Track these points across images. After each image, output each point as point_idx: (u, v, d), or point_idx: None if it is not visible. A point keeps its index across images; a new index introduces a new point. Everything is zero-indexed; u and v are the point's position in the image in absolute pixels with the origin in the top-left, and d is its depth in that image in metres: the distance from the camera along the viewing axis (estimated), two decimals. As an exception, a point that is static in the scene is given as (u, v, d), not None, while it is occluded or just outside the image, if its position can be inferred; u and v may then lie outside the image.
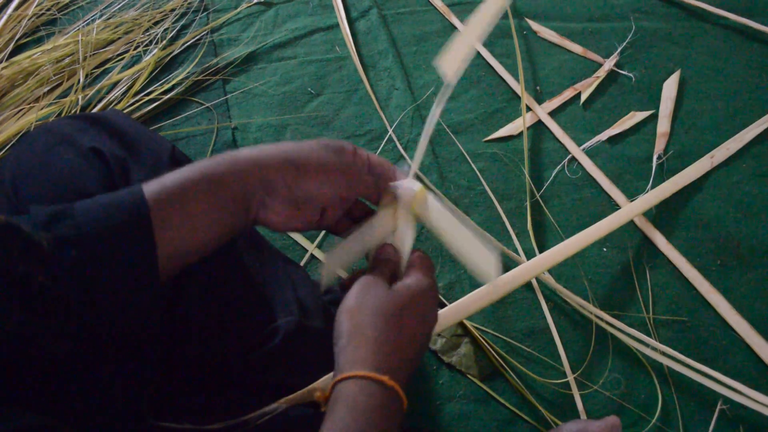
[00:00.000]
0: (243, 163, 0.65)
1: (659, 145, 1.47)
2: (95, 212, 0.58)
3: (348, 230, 0.74)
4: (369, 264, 0.71)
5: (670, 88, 1.59)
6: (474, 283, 1.23)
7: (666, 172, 1.43)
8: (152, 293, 0.60)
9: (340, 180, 0.68)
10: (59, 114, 1.51)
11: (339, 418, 0.56)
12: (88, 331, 0.58)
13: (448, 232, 0.72)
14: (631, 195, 1.39)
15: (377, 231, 0.73)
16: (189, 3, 1.81)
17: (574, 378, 1.16)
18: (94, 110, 1.53)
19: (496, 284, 1.10)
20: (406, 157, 1.45)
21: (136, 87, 1.58)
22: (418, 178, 1.40)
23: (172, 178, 0.62)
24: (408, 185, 0.73)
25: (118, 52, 1.68)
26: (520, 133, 1.50)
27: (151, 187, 0.61)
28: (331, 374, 0.62)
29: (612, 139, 1.50)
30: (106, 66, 1.66)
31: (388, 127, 1.52)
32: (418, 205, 0.73)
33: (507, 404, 1.14)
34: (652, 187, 1.39)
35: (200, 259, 0.65)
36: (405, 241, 0.72)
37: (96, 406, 0.65)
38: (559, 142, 1.50)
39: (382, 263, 0.69)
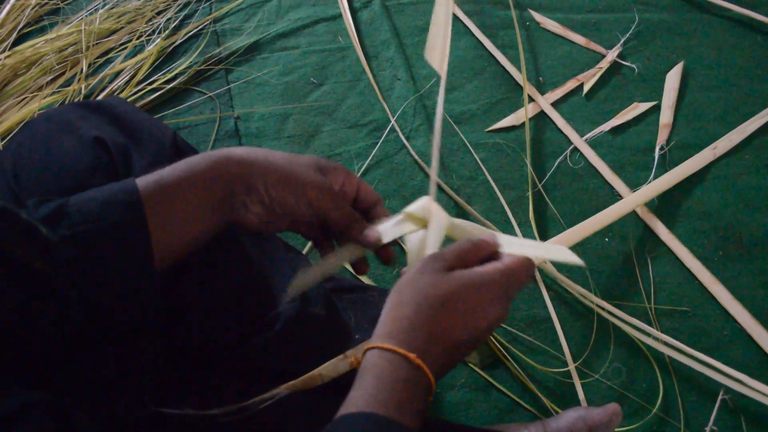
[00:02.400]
0: (233, 163, 0.67)
1: (662, 136, 1.47)
2: (91, 210, 0.59)
3: (325, 249, 0.77)
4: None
5: (672, 79, 1.58)
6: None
7: (668, 163, 1.43)
8: (149, 287, 0.62)
9: (318, 202, 0.70)
10: (62, 103, 1.51)
11: (365, 386, 0.58)
12: (87, 317, 0.58)
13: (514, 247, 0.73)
14: (634, 185, 1.38)
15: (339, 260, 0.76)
16: (192, -7, 1.81)
17: (575, 367, 1.16)
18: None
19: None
20: (408, 147, 1.45)
21: (139, 76, 1.59)
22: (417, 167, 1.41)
23: (168, 174, 0.64)
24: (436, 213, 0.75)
25: (121, 42, 1.68)
26: (523, 124, 1.50)
27: (146, 183, 0.62)
28: (366, 341, 0.63)
29: (614, 130, 1.50)
30: (109, 55, 1.66)
31: (391, 117, 1.52)
32: (452, 232, 0.76)
33: (508, 393, 1.14)
34: (655, 177, 1.39)
35: (188, 255, 0.67)
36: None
37: (96, 392, 0.66)
38: (562, 132, 1.50)
39: (464, 246, 0.69)
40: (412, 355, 0.59)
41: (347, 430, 0.55)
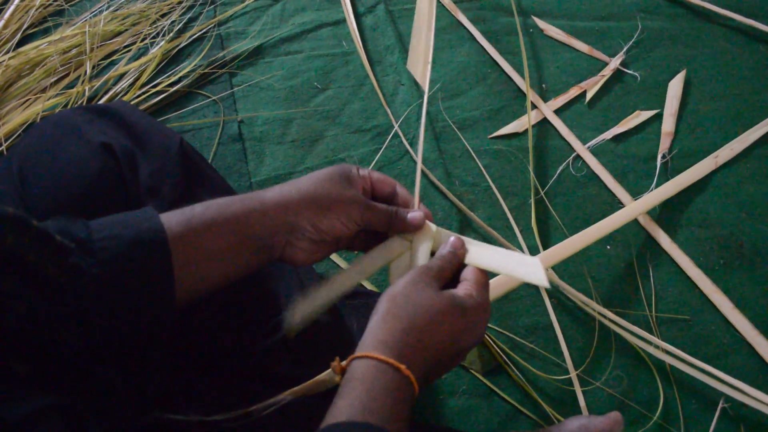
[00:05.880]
0: (269, 207, 0.67)
1: (664, 145, 1.48)
2: (117, 250, 0.59)
3: (362, 243, 0.78)
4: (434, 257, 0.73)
5: (675, 87, 1.59)
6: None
7: (670, 171, 1.44)
8: (165, 320, 0.62)
9: (358, 212, 0.71)
10: (66, 105, 1.51)
11: (354, 395, 0.58)
12: (97, 328, 0.59)
13: (482, 257, 0.73)
14: (636, 193, 1.39)
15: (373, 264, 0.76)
16: (196, -4, 1.81)
17: (577, 375, 1.16)
18: (101, 101, 1.53)
19: (499, 281, 1.10)
20: (412, 153, 1.45)
21: (143, 79, 1.59)
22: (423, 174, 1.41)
23: (198, 215, 0.64)
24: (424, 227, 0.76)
25: (125, 44, 1.68)
26: (526, 131, 1.50)
27: (174, 223, 0.62)
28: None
29: (617, 138, 1.50)
30: (113, 57, 1.66)
31: (394, 123, 1.52)
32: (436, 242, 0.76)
33: (510, 400, 1.14)
34: (657, 186, 1.39)
35: (216, 291, 0.67)
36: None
37: (103, 397, 0.66)
38: (564, 140, 1.50)
39: (444, 259, 0.71)
40: (402, 366, 0.60)
41: None
